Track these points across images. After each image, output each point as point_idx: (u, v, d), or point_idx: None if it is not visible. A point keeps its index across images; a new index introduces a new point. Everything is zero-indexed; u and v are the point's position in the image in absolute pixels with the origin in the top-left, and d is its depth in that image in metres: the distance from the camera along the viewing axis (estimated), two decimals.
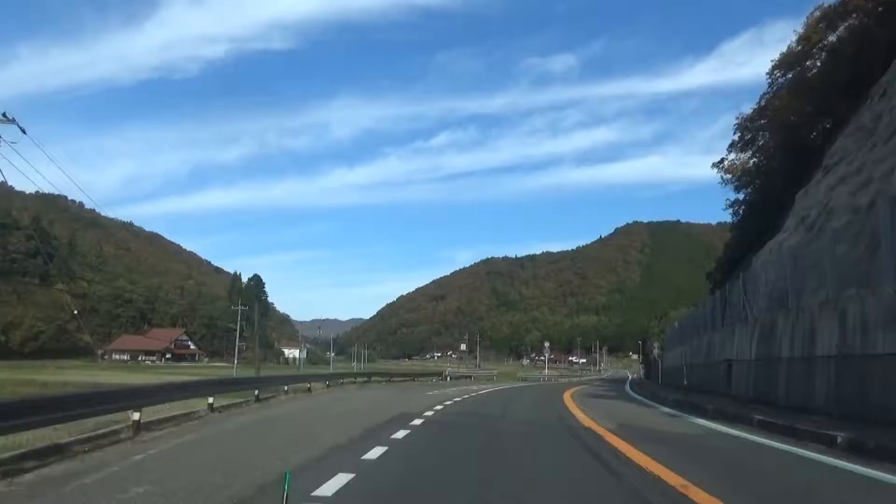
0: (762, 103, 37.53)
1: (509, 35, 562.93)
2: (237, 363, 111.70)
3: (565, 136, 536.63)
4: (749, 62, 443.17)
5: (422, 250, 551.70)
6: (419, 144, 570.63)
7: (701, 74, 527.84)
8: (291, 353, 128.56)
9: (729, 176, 42.57)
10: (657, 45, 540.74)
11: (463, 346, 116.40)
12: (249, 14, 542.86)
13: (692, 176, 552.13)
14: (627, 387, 35.68)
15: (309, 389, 21.68)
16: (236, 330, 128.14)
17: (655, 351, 39.91)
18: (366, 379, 34.82)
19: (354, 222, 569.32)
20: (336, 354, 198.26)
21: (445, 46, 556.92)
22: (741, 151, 41.08)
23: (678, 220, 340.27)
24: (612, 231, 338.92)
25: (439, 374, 52.92)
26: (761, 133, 38.39)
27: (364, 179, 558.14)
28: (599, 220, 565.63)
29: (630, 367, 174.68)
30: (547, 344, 58.53)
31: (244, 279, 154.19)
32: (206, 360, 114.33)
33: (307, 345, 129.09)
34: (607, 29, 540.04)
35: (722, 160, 42.83)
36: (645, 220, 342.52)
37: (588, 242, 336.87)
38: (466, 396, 18.44)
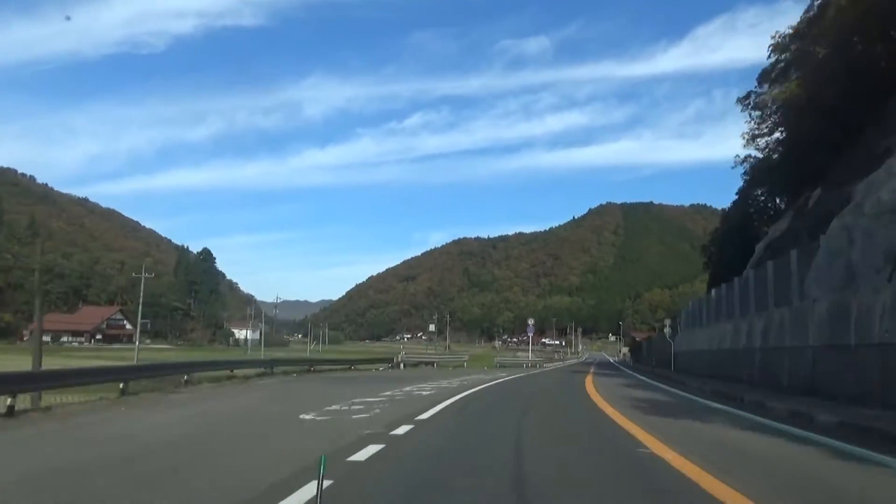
0: (812, 13, 29.02)
1: (484, 16, 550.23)
2: (177, 344, 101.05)
3: (539, 119, 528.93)
4: (721, 47, 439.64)
5: (394, 231, 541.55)
6: (392, 125, 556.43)
7: (674, 59, 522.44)
8: (243, 334, 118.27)
9: (757, 113, 34.25)
10: (631, 29, 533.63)
11: (432, 328, 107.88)
12: None
13: (665, 159, 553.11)
14: (642, 376, 27.45)
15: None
16: (182, 307, 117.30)
17: (667, 330, 31.75)
18: (267, 370, 21.81)
19: (325, 203, 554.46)
20: (303, 336, 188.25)
21: (420, 26, 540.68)
22: (775, 83, 32.66)
23: (651, 202, 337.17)
24: (585, 212, 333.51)
25: (389, 360, 39.44)
26: (807, 54, 29.97)
27: (336, 160, 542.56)
28: (572, 201, 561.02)
29: (605, 349, 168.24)
30: (531, 322, 48.69)
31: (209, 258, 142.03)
32: (149, 341, 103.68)
33: (263, 325, 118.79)
34: (582, 12, 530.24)
35: (749, 94, 34.55)
36: (618, 202, 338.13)
37: (561, 223, 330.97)
38: (397, 431, 7.39)
